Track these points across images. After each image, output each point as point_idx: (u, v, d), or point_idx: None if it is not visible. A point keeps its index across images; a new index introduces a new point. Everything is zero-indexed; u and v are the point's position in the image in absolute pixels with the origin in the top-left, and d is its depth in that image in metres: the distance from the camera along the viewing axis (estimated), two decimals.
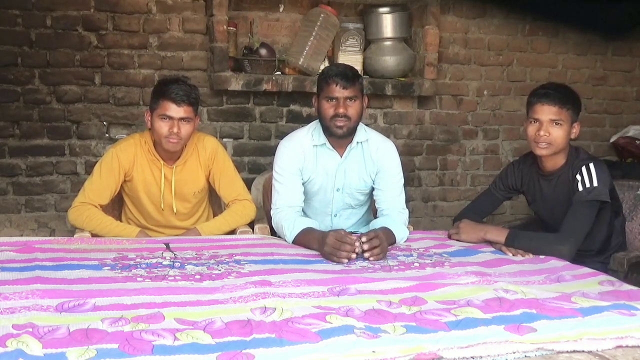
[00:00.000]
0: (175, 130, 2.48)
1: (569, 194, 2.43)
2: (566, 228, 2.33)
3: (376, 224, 2.52)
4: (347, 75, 2.50)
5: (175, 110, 2.48)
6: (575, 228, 2.32)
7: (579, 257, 2.31)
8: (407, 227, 2.61)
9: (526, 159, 2.60)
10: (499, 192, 2.71)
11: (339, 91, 2.48)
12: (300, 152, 2.61)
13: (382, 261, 2.19)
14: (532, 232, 2.49)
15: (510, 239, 2.36)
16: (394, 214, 2.59)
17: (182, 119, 2.49)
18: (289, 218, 2.48)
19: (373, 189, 2.71)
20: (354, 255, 2.16)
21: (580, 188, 2.36)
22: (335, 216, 2.74)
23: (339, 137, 2.57)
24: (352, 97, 2.51)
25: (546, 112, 2.38)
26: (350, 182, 2.67)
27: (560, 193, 2.48)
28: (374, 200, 2.73)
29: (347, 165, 2.65)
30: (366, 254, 2.19)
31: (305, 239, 2.37)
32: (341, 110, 2.48)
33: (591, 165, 2.38)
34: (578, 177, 2.38)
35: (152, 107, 2.54)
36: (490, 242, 2.43)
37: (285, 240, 2.45)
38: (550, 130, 2.37)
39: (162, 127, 2.49)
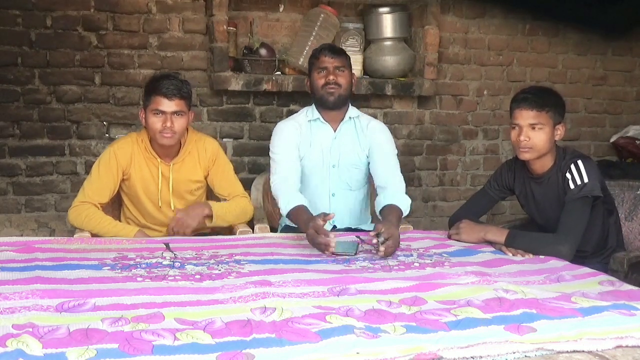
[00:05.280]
0: (168, 124, 2.49)
1: (559, 196, 2.43)
2: (563, 228, 2.33)
3: (380, 203, 2.56)
4: (335, 48, 2.78)
5: (167, 105, 2.49)
6: (572, 227, 2.32)
7: (577, 259, 2.31)
8: (403, 221, 2.65)
9: (519, 160, 2.59)
10: (493, 192, 2.70)
11: (328, 61, 2.68)
12: (297, 127, 2.76)
13: (382, 261, 2.20)
14: (532, 232, 2.49)
15: (510, 239, 2.36)
16: (391, 185, 2.62)
17: (174, 112, 2.51)
18: (286, 191, 2.57)
19: (369, 169, 2.78)
20: (331, 249, 2.21)
21: (572, 186, 2.37)
22: (333, 195, 2.79)
23: (332, 107, 2.71)
24: (341, 67, 2.70)
25: (524, 116, 2.37)
26: (345, 157, 2.76)
27: (550, 195, 2.48)
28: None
29: (341, 139, 2.77)
30: (381, 250, 2.22)
31: (297, 217, 2.46)
32: (331, 77, 2.67)
33: (579, 162, 2.38)
34: (568, 175, 2.38)
35: (144, 104, 2.57)
36: (490, 242, 2.43)
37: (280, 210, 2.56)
38: (530, 134, 2.37)
39: (156, 122, 2.50)
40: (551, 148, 2.43)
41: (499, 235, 2.40)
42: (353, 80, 2.78)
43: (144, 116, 2.57)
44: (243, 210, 2.71)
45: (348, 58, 2.76)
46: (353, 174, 2.80)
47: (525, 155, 2.42)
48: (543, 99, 2.38)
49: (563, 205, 2.38)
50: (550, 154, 2.45)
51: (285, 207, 2.51)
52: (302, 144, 2.74)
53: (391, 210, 2.48)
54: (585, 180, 2.35)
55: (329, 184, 2.79)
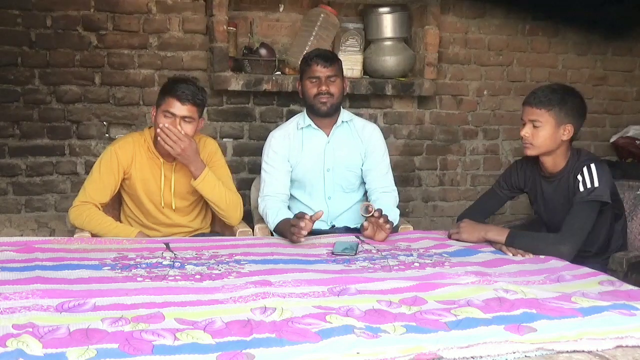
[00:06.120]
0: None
1: (569, 197, 2.43)
2: (567, 228, 2.33)
3: None
4: (327, 55, 2.74)
5: (179, 108, 2.50)
6: (576, 228, 2.32)
7: (578, 258, 2.31)
8: (403, 222, 2.78)
9: (529, 159, 2.60)
10: (502, 192, 2.72)
11: (320, 70, 2.68)
12: (286, 139, 2.76)
13: (382, 261, 2.20)
14: (533, 232, 2.49)
15: (510, 239, 2.36)
16: (382, 197, 2.71)
17: (184, 117, 2.51)
18: (273, 207, 2.64)
19: (362, 173, 2.82)
20: (304, 232, 2.32)
21: (582, 188, 2.37)
22: (329, 199, 2.82)
23: (324, 115, 2.73)
24: (333, 76, 2.71)
25: (528, 113, 2.43)
26: (340, 161, 2.78)
27: (560, 195, 2.49)
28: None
29: (335, 143, 2.78)
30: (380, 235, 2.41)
31: (282, 226, 2.51)
32: (324, 88, 2.67)
33: (592, 166, 2.39)
34: (579, 177, 2.39)
35: (158, 103, 2.57)
36: (490, 242, 2.44)
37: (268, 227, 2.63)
38: (531, 131, 2.41)
39: (163, 123, 2.50)
40: (557, 147, 2.44)
41: (500, 234, 2.40)
42: (345, 85, 2.80)
43: (153, 114, 2.58)
44: (233, 202, 2.67)
45: (340, 64, 2.77)
46: (348, 177, 2.81)
47: (526, 151, 2.46)
48: (548, 97, 2.39)
49: (571, 206, 2.39)
50: (562, 154, 2.46)
51: (272, 222, 2.58)
52: (293, 153, 2.77)
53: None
54: (596, 184, 2.36)
55: (324, 188, 2.80)
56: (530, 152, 2.45)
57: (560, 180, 2.48)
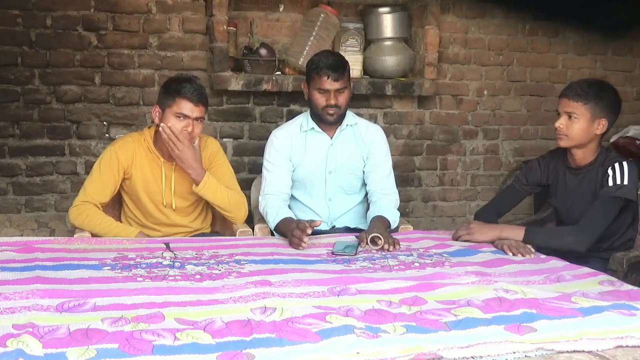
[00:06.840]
0: (189, 129, 2.51)
1: (592, 191, 2.47)
2: (587, 219, 2.38)
3: (369, 215, 2.65)
4: (338, 67, 2.62)
5: (192, 110, 2.51)
6: (596, 220, 2.37)
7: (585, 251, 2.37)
8: (403, 222, 2.77)
9: (554, 153, 2.64)
10: (521, 187, 2.74)
11: (330, 83, 2.61)
12: (288, 139, 2.75)
13: (382, 261, 2.20)
14: (549, 227, 2.52)
15: (527, 235, 2.39)
16: (383, 198, 2.70)
17: (197, 118, 2.53)
18: (274, 206, 2.62)
19: (364, 175, 2.82)
20: (306, 239, 2.28)
21: (610, 183, 2.41)
22: (330, 200, 2.82)
23: (330, 124, 2.72)
24: (342, 88, 2.64)
25: (563, 104, 2.46)
26: (342, 164, 2.77)
27: (584, 189, 2.52)
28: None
29: (338, 146, 2.77)
30: (388, 248, 2.35)
31: (283, 226, 2.50)
32: (332, 102, 2.63)
33: (624, 164, 2.43)
34: (610, 171, 2.43)
35: (164, 103, 2.54)
36: (493, 242, 2.44)
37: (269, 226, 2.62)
38: (565, 122, 2.45)
39: (177, 125, 2.50)
40: (590, 140, 2.47)
41: (516, 232, 2.43)
42: (351, 90, 2.76)
43: (157, 114, 2.56)
44: (236, 202, 2.68)
45: (348, 71, 2.69)
46: (350, 179, 2.81)
47: (559, 142, 2.49)
48: (586, 91, 2.43)
49: (593, 201, 2.42)
50: (593, 147, 2.50)
51: (273, 221, 2.57)
52: (295, 154, 2.75)
53: (377, 219, 2.57)
54: (625, 182, 2.40)
55: (325, 190, 2.80)
56: (564, 143, 2.48)
57: (587, 173, 2.52)
